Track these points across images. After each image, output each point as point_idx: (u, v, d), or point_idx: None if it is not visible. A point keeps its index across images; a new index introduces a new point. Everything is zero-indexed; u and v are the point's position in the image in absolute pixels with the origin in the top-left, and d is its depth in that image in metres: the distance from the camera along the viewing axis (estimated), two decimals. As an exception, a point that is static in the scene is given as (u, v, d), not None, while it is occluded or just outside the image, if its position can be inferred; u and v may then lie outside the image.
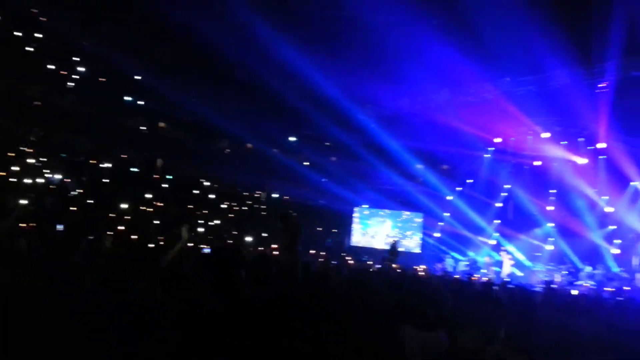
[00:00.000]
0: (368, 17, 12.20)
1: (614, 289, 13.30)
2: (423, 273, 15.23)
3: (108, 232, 11.55)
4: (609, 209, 15.60)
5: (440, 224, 19.10)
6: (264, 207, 19.78)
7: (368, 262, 17.19)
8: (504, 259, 16.33)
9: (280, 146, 18.38)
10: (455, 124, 15.29)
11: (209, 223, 18.49)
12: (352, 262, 17.01)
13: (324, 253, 18.10)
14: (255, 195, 19.84)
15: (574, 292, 13.66)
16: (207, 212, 18.37)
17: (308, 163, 18.72)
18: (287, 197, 19.44)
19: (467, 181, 18.31)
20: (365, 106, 16.53)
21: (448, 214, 18.61)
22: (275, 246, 15.13)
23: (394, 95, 15.85)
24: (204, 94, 16.14)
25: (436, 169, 18.31)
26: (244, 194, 20.01)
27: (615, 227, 15.90)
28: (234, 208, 19.63)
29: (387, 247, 18.80)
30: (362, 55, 14.52)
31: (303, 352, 2.59)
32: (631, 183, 14.90)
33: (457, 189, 18.38)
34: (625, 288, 13.86)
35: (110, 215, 14.55)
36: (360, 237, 20.40)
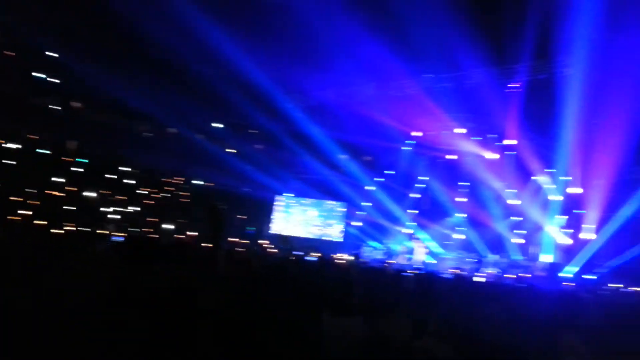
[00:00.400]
0: (297, 5, 12.20)
1: (515, 276, 14.51)
2: (344, 262, 15.71)
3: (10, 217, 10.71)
4: (513, 202, 16.91)
5: (361, 213, 19.66)
6: (186, 194, 19.27)
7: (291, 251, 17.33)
8: (417, 247, 17.20)
9: (204, 132, 17.95)
10: (379, 117, 15.77)
11: (127, 209, 17.70)
12: (274, 250, 17.08)
13: (247, 241, 18.02)
14: (175, 181, 19.25)
15: (481, 279, 14.74)
16: (124, 197, 17.57)
17: (233, 150, 18.45)
18: (210, 184, 19.05)
19: (387, 172, 18.97)
20: (292, 95, 16.58)
21: (369, 204, 19.20)
22: (195, 234, 14.84)
23: (321, 86, 16.03)
24: (123, 73, 15.32)
25: (359, 160, 18.77)
26: (165, 179, 19.35)
27: (519, 218, 17.29)
28: (154, 195, 18.93)
29: (309, 236, 19.14)
30: (290, 44, 14.51)
31: (221, 339, 2.59)
32: (534, 178, 16.22)
33: (378, 179, 19.00)
34: (525, 275, 15.20)
35: (14, 199, 13.48)
36: (282, 226, 20.49)
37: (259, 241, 18.42)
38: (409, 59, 13.36)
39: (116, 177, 17.90)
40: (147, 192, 18.39)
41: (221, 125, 17.42)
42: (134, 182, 18.30)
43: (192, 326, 2.62)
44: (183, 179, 19.33)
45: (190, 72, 14.39)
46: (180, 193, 19.36)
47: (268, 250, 16.64)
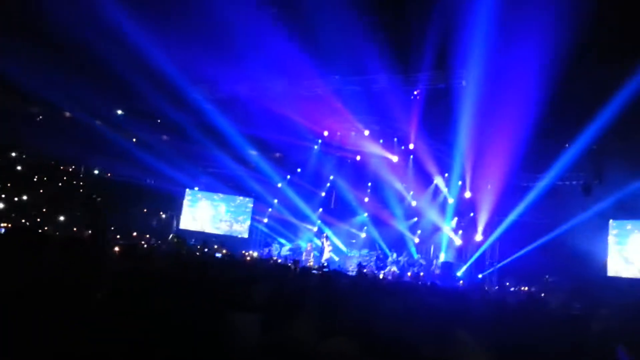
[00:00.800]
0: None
1: (410, 274, 15.27)
2: (249, 258, 15.61)
3: None
4: (413, 203, 17.74)
5: (269, 210, 19.63)
6: (82, 183, 18.09)
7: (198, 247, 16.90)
8: (324, 245, 17.53)
9: (105, 118, 16.92)
10: (289, 115, 15.80)
11: (15, 198, 16.31)
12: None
13: (148, 235, 17.32)
14: (71, 170, 18.01)
15: (381, 275, 15.33)
16: (12, 185, 16.16)
17: (136, 139, 17.59)
18: (110, 174, 18.05)
19: (297, 170, 19.11)
20: (202, 86, 16.13)
21: (276, 201, 19.22)
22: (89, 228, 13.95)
23: (232, 79, 15.74)
24: (16, 50, 14.00)
25: (269, 157, 18.71)
26: (60, 167, 18.05)
27: (417, 219, 18.18)
28: (47, 183, 17.60)
29: (216, 231, 18.71)
30: (202, 34, 14.06)
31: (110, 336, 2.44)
32: (433, 181, 17.13)
33: (287, 177, 19.08)
34: (421, 274, 16.05)
35: None
36: (190, 221, 19.93)
37: (169, 237, 17.79)
38: (318, 60, 13.51)
39: (5, 163, 16.43)
40: (38, 180, 17.05)
41: (122, 112, 16.49)
42: (24, 169, 16.89)
43: (77, 323, 2.44)
44: (78, 167, 18.11)
45: (91, 52, 13.44)
46: (77, 183, 18.16)
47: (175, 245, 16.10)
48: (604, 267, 13.78)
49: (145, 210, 19.25)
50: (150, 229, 18.77)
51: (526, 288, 11.60)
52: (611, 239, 14.05)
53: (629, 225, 13.90)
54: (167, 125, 17.21)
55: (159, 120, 16.66)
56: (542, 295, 11.43)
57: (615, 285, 12.07)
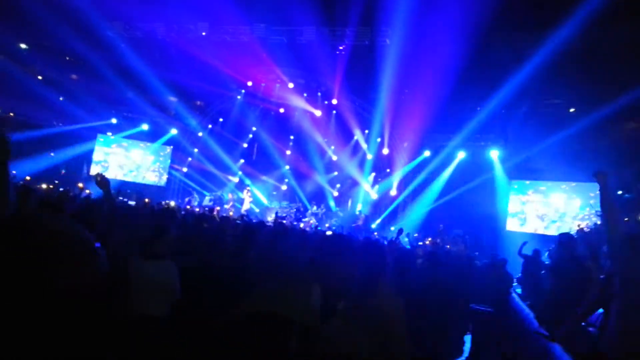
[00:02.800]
0: None
1: (328, 225, 15.78)
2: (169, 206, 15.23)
3: None
4: (334, 157, 18.12)
5: (189, 159, 19.16)
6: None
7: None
8: (245, 197, 17.53)
9: (6, 53, 15.31)
10: (211, 61, 15.24)
11: None
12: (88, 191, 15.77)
13: (57, 182, 16.29)
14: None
15: (300, 226, 15.68)
16: None
17: (41, 77, 16.17)
18: (12, 115, 16.55)
19: (219, 120, 18.68)
20: (117, 23, 15.04)
21: (197, 150, 18.77)
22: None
23: (150, 17, 14.80)
24: None
25: (189, 104, 18.07)
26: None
27: (337, 173, 18.64)
28: None
29: (129, 179, 18.00)
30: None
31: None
32: (354, 137, 17.51)
33: (209, 126, 18.62)
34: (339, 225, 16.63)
35: None
36: (101, 167, 18.97)
37: (78, 184, 16.77)
38: (244, 5, 13.06)
39: None
40: None
41: (26, 47, 14.99)
42: None
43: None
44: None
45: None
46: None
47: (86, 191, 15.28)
48: (503, 223, 15.08)
49: (52, 154, 17.98)
50: (58, 175, 17.65)
51: (429, 240, 12.43)
52: (511, 197, 15.34)
53: (527, 183, 15.22)
54: (78, 64, 15.92)
55: (67, 58, 15.36)
56: (447, 246, 12.33)
57: (512, 239, 13.29)
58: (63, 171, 18.35)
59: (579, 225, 11.97)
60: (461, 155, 15.29)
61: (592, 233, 10.26)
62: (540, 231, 14.11)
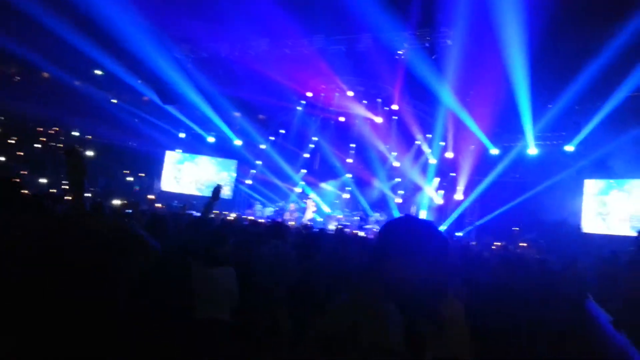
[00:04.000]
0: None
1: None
2: (231, 218, 15.68)
3: None
4: (396, 164, 17.97)
5: (253, 171, 19.66)
6: (62, 145, 17.75)
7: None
8: (308, 206, 17.72)
9: (84, 78, 16.47)
10: (272, 75, 15.63)
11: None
12: (160, 206, 16.54)
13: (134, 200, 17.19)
14: (51, 132, 17.62)
15: (362, 234, 15.61)
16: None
17: (116, 100, 17.24)
18: (90, 137, 17.73)
19: (280, 131, 19.06)
20: (183, 45, 15.77)
21: (260, 162, 19.22)
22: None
23: (214, 38, 15.40)
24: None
25: (252, 118, 18.59)
26: (38, 129, 17.62)
27: (399, 179, 18.45)
28: (25, 145, 17.22)
29: (199, 193, 18.73)
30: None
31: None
32: (415, 142, 17.31)
33: (270, 138, 19.04)
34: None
35: None
36: (172, 183, 19.85)
37: (148, 196, 17.66)
38: (302, 18, 13.30)
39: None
40: (14, 142, 16.66)
41: (101, 72, 16.04)
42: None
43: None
44: (57, 128, 17.72)
45: (69, 10, 12.94)
46: (56, 145, 17.79)
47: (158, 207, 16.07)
48: (579, 224, 14.31)
49: (126, 172, 19.06)
50: (132, 192, 18.66)
51: (499, 244, 11.99)
52: (586, 197, 14.54)
53: (603, 184, 14.38)
54: (148, 85, 16.84)
55: (139, 81, 16.29)
56: (518, 250, 11.86)
57: (590, 242, 12.58)
58: (137, 188, 19.39)
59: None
60: (532, 152, 14.62)
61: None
62: (623, 232, 13.25)
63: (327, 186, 19.26)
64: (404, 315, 1.41)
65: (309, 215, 17.43)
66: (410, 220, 1.54)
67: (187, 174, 19.97)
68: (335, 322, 1.40)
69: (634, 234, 13.13)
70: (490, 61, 12.21)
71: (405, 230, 1.48)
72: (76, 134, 17.69)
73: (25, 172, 15.78)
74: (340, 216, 17.68)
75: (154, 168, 19.86)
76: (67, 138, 17.54)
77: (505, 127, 14.83)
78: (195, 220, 4.44)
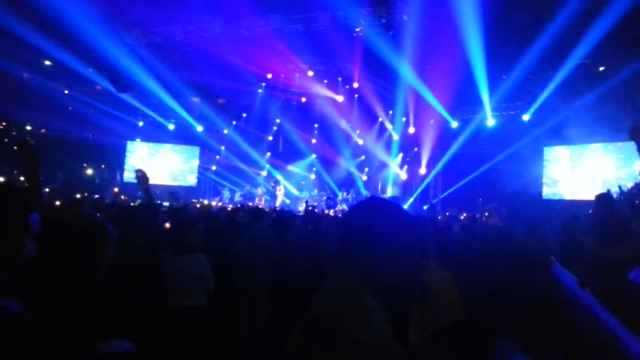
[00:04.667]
0: None
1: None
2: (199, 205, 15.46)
3: None
4: (360, 141, 18.05)
5: (217, 157, 19.40)
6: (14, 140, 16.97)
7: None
8: (278, 192, 17.65)
9: (33, 70, 15.69)
10: (230, 58, 15.32)
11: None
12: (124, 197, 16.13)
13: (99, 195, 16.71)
14: (0, 127, 16.81)
15: (331, 213, 15.71)
16: None
17: (67, 91, 16.56)
18: (43, 130, 17.04)
19: (242, 115, 18.81)
20: (134, 30, 15.22)
21: (223, 147, 18.98)
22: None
23: (166, 21, 14.93)
24: None
25: (212, 103, 18.25)
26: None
27: (364, 157, 18.57)
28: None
29: (164, 182, 18.35)
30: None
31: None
32: (378, 119, 17.39)
33: (233, 122, 18.78)
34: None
35: None
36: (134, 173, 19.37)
37: (114, 189, 17.16)
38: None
39: None
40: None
41: (50, 63, 15.29)
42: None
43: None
44: (8, 124, 16.92)
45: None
46: (9, 141, 17.00)
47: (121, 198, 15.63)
48: (539, 191, 14.78)
49: (85, 165, 18.47)
50: (93, 185, 18.13)
51: (465, 215, 12.26)
52: (545, 164, 15.01)
53: (560, 150, 14.86)
54: (101, 73, 16.21)
55: (91, 70, 15.65)
56: (483, 219, 12.17)
57: (550, 207, 13.01)
58: (97, 181, 18.83)
59: (619, 187, 11.64)
60: (490, 123, 14.92)
61: (633, 191, 9.97)
62: (582, 197, 13.77)
63: (293, 168, 19.22)
64: (383, 302, 1.39)
65: (279, 200, 17.39)
66: (374, 202, 1.51)
67: (148, 164, 19.52)
68: (320, 316, 1.35)
69: (592, 198, 13.72)
70: (445, 35, 12.29)
71: (370, 214, 1.44)
72: (28, 128, 16.95)
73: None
74: (308, 197, 17.72)
75: (116, 159, 19.31)
76: (18, 133, 16.78)
77: (463, 100, 15.04)
78: (147, 208, 4.35)
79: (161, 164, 19.55)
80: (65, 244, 2.58)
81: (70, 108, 16.36)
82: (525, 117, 14.28)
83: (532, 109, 13.97)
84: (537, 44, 11.59)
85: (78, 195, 12.94)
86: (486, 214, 12.78)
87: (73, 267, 2.59)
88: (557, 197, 14.50)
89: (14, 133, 16.98)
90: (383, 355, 1.27)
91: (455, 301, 2.44)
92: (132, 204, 10.52)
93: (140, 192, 16.11)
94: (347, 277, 1.38)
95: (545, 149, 15.00)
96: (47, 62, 15.89)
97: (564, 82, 12.49)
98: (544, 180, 15.01)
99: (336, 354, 1.23)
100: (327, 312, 1.32)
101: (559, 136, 14.13)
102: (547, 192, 14.86)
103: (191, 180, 19.65)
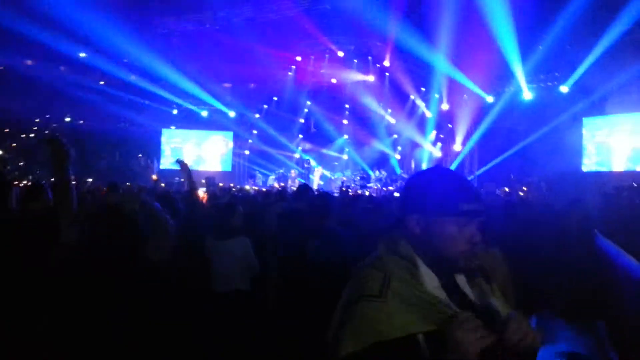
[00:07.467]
0: None
1: (393, 188, 15.68)
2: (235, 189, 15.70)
3: None
4: (392, 121, 17.87)
5: (249, 141, 19.57)
6: (57, 134, 17.52)
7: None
8: (315, 177, 17.77)
9: (68, 63, 16.06)
10: (260, 42, 15.32)
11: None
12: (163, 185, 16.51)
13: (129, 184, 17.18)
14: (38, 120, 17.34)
15: (366, 193, 15.71)
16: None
17: (103, 82, 16.93)
18: (82, 122, 17.51)
19: (273, 99, 18.86)
20: (165, 19, 15.39)
21: (256, 132, 19.12)
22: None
23: (194, 11, 15.03)
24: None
25: (243, 88, 18.34)
26: (35, 120, 17.33)
27: (396, 136, 18.39)
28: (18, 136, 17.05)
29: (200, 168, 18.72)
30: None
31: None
32: (410, 97, 17.14)
33: (264, 107, 18.86)
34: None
35: None
36: (171, 160, 19.78)
37: (152, 176, 17.59)
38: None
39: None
40: (8, 134, 16.48)
41: (85, 55, 15.56)
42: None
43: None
44: (47, 118, 17.44)
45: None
46: (49, 133, 17.56)
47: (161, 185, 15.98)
48: (579, 164, 14.33)
49: (122, 154, 18.95)
50: (133, 173, 18.59)
51: (506, 189, 12.04)
52: (585, 135, 14.50)
53: (601, 121, 14.31)
54: (134, 65, 16.48)
55: (126, 60, 15.93)
56: (520, 194, 11.90)
57: (591, 180, 12.60)
58: (134, 169, 19.30)
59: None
60: (527, 97, 14.44)
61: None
62: (624, 168, 13.28)
63: (326, 150, 19.23)
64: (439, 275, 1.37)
65: (316, 183, 17.50)
66: (438, 171, 1.50)
67: (184, 151, 19.89)
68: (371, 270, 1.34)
69: (636, 168, 13.19)
70: (479, 8, 11.96)
71: (432, 182, 1.40)
72: (68, 119, 17.47)
73: (22, 164, 15.73)
74: (344, 178, 17.74)
75: (152, 148, 19.72)
76: (59, 126, 17.30)
77: (497, 74, 14.62)
78: (189, 195, 4.45)
79: (196, 150, 19.88)
80: (123, 230, 2.66)
81: (104, 101, 16.72)
82: (564, 89, 13.76)
83: (571, 80, 13.43)
84: (575, 11, 11.11)
85: (128, 184, 13.39)
86: (524, 188, 12.53)
87: (129, 253, 2.67)
88: (599, 170, 14.03)
89: (54, 125, 17.50)
90: (436, 313, 1.27)
91: (507, 280, 2.45)
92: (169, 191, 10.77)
93: (177, 179, 16.54)
94: (402, 243, 1.38)
95: (585, 119, 14.47)
96: (82, 54, 16.21)
97: (607, 51, 11.91)
98: (584, 153, 14.53)
99: (384, 310, 1.24)
100: (378, 268, 1.33)
101: (600, 107, 13.61)
102: (588, 163, 14.39)
103: (226, 165, 19.93)
